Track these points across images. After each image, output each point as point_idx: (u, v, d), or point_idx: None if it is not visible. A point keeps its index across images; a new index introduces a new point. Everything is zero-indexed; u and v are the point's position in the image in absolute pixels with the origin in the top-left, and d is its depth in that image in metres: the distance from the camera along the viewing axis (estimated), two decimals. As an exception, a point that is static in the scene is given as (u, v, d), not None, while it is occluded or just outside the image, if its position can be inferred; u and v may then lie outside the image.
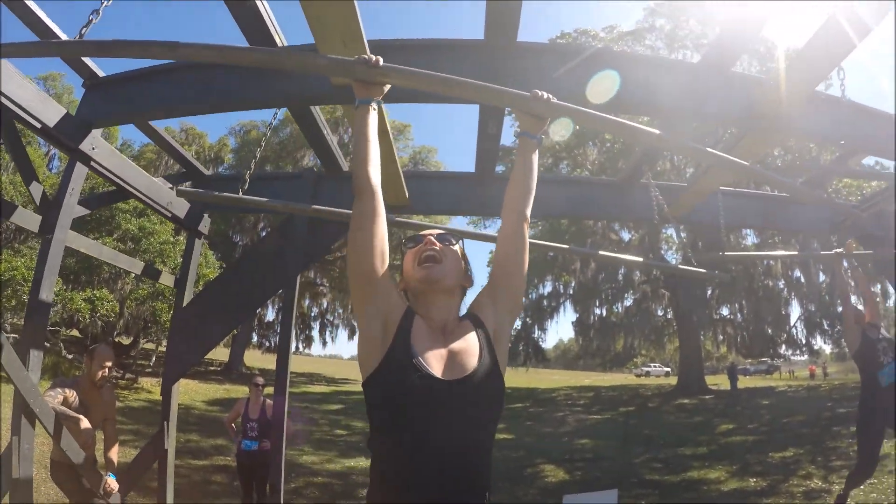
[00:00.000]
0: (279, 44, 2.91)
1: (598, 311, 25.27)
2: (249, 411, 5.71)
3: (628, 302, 25.04)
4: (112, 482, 3.61)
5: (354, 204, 1.49)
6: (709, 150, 1.90)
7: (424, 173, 4.25)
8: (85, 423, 3.45)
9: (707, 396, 20.39)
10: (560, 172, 20.27)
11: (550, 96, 1.59)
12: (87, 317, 14.37)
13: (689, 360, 22.83)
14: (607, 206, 4.70)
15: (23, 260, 13.44)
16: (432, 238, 1.57)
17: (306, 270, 20.11)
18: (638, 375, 43.34)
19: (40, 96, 2.98)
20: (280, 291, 5.12)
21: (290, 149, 25.53)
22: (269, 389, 5.19)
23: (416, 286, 1.53)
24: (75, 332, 19.61)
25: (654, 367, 44.67)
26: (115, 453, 3.88)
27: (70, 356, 15.87)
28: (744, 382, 26.24)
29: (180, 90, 3.22)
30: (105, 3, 2.18)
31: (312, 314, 30.18)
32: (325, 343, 31.10)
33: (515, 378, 32.44)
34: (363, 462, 9.50)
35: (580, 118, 1.68)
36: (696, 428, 13.41)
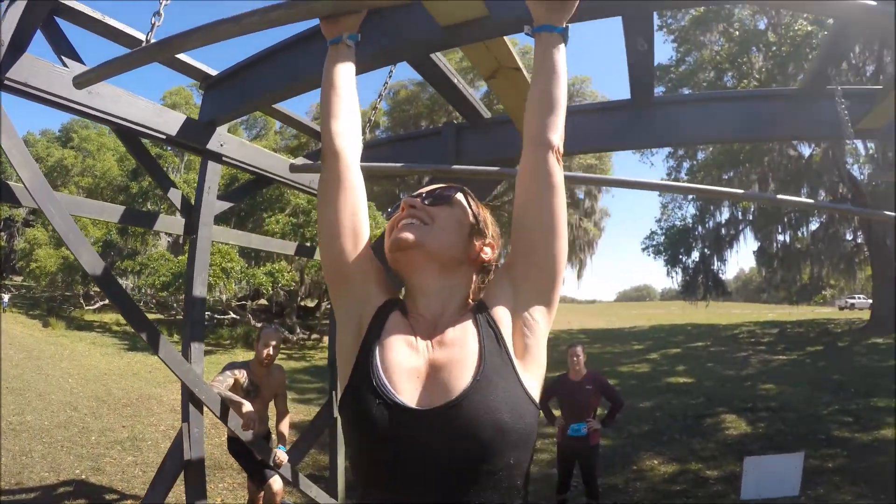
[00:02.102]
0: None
1: (780, 237, 22.55)
2: None
3: (814, 226, 22.01)
4: (281, 455, 3.81)
5: (321, 171, 1.17)
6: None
7: (572, 108, 3.63)
8: (247, 407, 3.60)
9: (904, 335, 17.57)
10: (725, 87, 18.12)
11: None
12: (269, 289, 15.93)
13: (883, 293, 19.47)
14: (787, 123, 3.74)
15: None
16: (413, 200, 1.14)
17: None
18: (841, 308, 38.27)
19: (156, 109, 3.08)
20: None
21: (442, 102, 25.52)
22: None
23: (391, 262, 1.12)
24: (263, 302, 22.00)
25: (859, 298, 38.05)
26: (286, 427, 4.13)
27: (259, 324, 17.86)
28: (948, 319, 22.23)
29: (291, 69, 3.08)
30: (164, 2, 2.10)
31: (485, 260, 31.86)
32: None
33: (695, 314, 30.92)
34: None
35: None
36: (890, 374, 11.65)
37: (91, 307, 22.93)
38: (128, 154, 26.71)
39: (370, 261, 1.14)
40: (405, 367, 0.97)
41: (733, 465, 6.17)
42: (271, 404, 4.23)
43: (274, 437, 4.28)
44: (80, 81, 1.90)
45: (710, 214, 22.84)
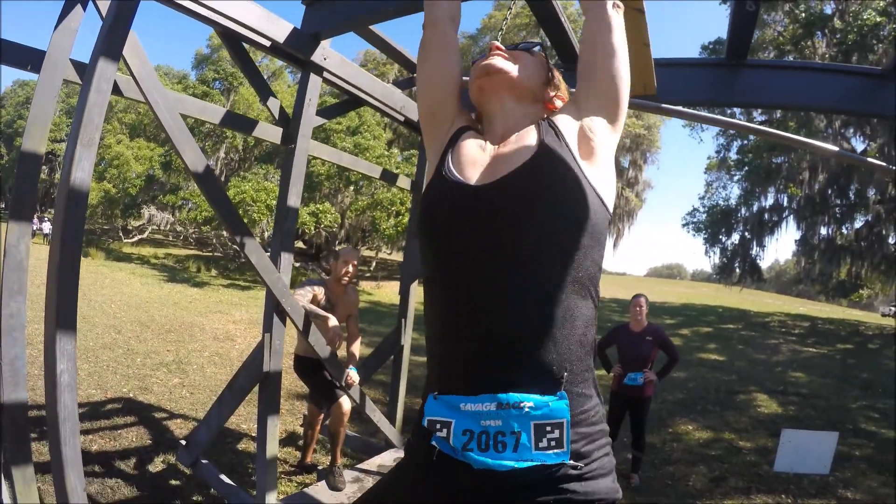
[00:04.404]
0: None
1: (824, 230, 21.58)
2: None
3: (859, 223, 21.26)
4: (353, 374, 3.77)
5: (422, 36, 1.32)
6: None
7: (670, 61, 3.64)
8: (333, 321, 3.62)
9: (938, 346, 17.07)
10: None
11: None
12: (311, 229, 16.04)
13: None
14: (876, 100, 3.44)
15: (249, 184, 15.32)
16: (498, 44, 1.27)
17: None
18: (884, 315, 35.59)
19: (267, 15, 3.00)
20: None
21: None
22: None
23: (475, 92, 1.25)
24: (300, 244, 22.14)
25: (902, 307, 37.01)
26: (357, 348, 4.05)
27: (297, 264, 17.93)
28: None
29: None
30: None
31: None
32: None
33: (727, 297, 30.45)
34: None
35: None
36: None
37: (129, 240, 23.43)
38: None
39: (457, 104, 1.29)
40: (471, 158, 1.12)
41: (765, 439, 6.28)
42: None
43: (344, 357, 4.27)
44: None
45: (754, 198, 22.24)
